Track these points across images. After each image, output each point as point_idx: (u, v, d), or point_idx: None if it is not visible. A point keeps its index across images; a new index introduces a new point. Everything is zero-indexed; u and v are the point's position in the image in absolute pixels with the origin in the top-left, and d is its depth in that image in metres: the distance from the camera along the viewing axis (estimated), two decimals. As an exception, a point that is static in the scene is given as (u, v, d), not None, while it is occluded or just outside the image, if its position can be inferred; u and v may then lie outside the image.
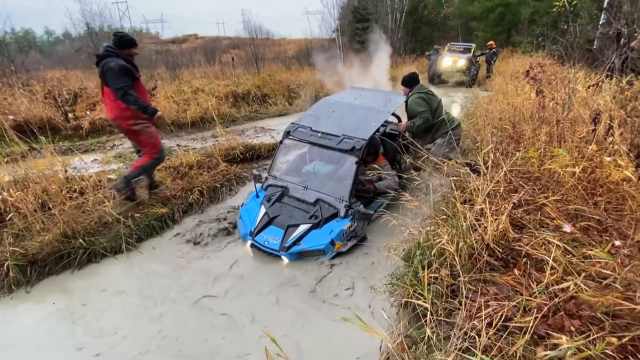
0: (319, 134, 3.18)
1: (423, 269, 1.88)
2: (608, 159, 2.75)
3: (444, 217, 2.36)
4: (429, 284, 1.82)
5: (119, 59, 3.01)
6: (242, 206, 3.22)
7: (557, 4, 7.97)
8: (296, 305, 2.28)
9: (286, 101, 9.56)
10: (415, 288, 1.84)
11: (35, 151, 4.30)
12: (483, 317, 1.54)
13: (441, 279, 1.86)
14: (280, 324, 2.12)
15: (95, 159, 3.40)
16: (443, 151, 3.46)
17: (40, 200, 2.92)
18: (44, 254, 2.60)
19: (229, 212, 3.54)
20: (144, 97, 3.20)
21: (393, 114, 3.74)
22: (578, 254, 1.94)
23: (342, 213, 2.85)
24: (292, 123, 3.44)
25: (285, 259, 2.72)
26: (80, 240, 2.74)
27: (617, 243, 2.11)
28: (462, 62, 12.58)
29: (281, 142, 3.41)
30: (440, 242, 1.98)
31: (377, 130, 3.33)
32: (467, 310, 1.65)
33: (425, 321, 1.62)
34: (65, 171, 3.32)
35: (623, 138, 2.91)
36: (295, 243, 2.70)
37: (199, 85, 9.42)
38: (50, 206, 2.82)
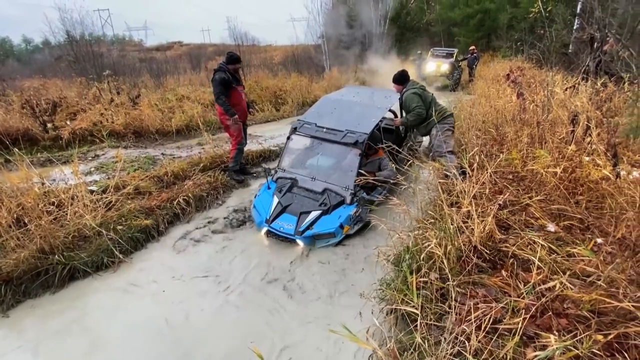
0: (324, 130, 3.49)
1: (412, 273, 1.87)
2: (587, 158, 2.83)
3: (432, 220, 2.36)
4: (418, 289, 1.81)
5: (223, 72, 3.93)
6: (255, 198, 3.45)
7: (533, 10, 8.25)
8: (285, 315, 2.24)
9: (273, 107, 9.52)
10: (405, 293, 1.82)
11: (11, 164, 4.13)
12: (473, 320, 1.54)
13: (431, 282, 1.86)
14: (267, 337, 2.07)
15: (76, 170, 3.27)
16: (439, 138, 3.66)
17: (15, 215, 2.79)
18: (20, 271, 2.48)
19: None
20: (240, 102, 4.17)
21: (391, 110, 4.02)
22: (562, 253, 1.97)
23: (348, 200, 3.15)
24: (298, 120, 3.73)
25: (300, 243, 2.99)
26: (59, 256, 2.63)
27: (599, 240, 2.16)
28: (445, 66, 12.85)
29: (289, 137, 3.70)
30: (428, 245, 1.98)
31: (377, 125, 3.57)
32: (457, 314, 1.64)
33: (415, 326, 1.61)
34: (43, 184, 3.20)
35: (600, 138, 3.00)
36: (308, 228, 2.96)
37: (185, 93, 9.30)
38: (26, 221, 2.70)
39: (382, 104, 3.85)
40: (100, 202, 3.18)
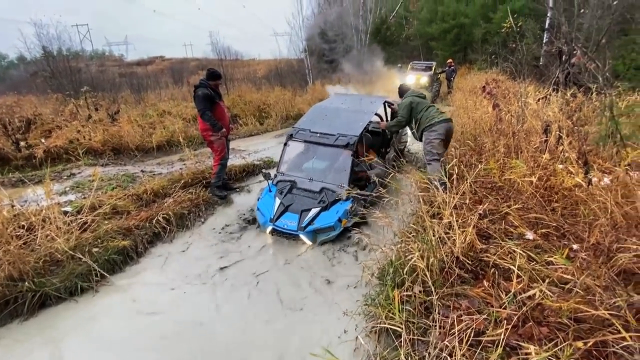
0: (318, 134, 3.82)
1: (396, 287, 1.86)
2: (560, 166, 2.94)
3: (414, 233, 2.38)
4: (402, 303, 1.80)
5: (205, 88, 3.92)
6: (257, 201, 3.68)
7: (505, 25, 8.68)
8: (270, 334, 2.17)
9: (257, 121, 9.51)
10: (390, 308, 1.81)
11: (-21, 185, 3.93)
12: (456, 333, 1.54)
13: (414, 296, 1.85)
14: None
15: (48, 190, 3.14)
16: (425, 146, 3.87)
17: (-20, 241, 2.63)
18: (-15, 301, 2.32)
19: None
20: (224, 116, 4.19)
21: (376, 114, 4.36)
22: (541, 261, 2.01)
23: (343, 197, 3.37)
24: (293, 127, 4.06)
25: (303, 238, 3.20)
26: (29, 283, 2.48)
27: (575, 247, 2.22)
28: (424, 79, 13.24)
29: (285, 144, 4.00)
30: (411, 258, 1.99)
31: (365, 128, 3.90)
32: (441, 328, 1.63)
33: (400, 342, 1.59)
34: (12, 206, 3.05)
35: (572, 146, 3.12)
36: (310, 223, 3.21)
37: (166, 108, 9.19)
38: (-7, 246, 2.55)
39: (369, 109, 4.22)
40: (74, 224, 3.05)
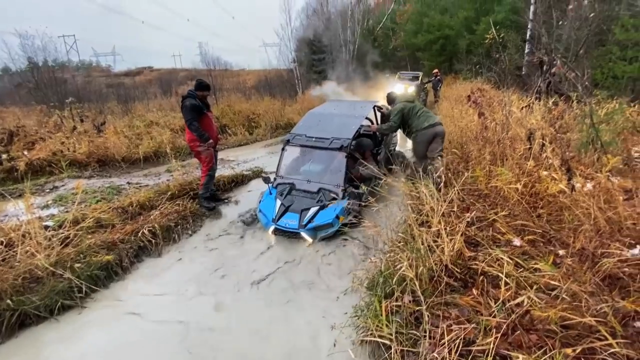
0: (313, 139, 4.03)
1: (385, 298, 1.84)
2: (545, 173, 2.99)
3: (403, 242, 2.37)
4: (392, 313, 1.78)
5: (193, 99, 3.90)
6: (259, 203, 3.83)
7: (488, 36, 8.94)
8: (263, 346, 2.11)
9: (246, 131, 9.49)
10: (380, 319, 1.78)
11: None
12: (446, 343, 1.52)
13: (404, 306, 1.83)
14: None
15: (28, 204, 3.04)
16: (421, 141, 4.15)
17: (-45, 259, 2.52)
18: (-41, 322, 2.20)
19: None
20: (211, 127, 4.15)
21: (367, 118, 4.60)
22: (528, 267, 2.02)
23: (340, 195, 3.61)
24: (290, 133, 4.25)
25: (304, 235, 3.36)
26: (8, 301, 2.37)
27: (561, 252, 2.25)
28: (412, 88, 13.48)
29: (283, 149, 4.18)
30: (400, 267, 1.97)
31: (357, 131, 4.12)
32: (431, 338, 1.62)
33: (390, 354, 1.56)
34: (-10, 221, 2.93)
35: (555, 153, 3.19)
36: (309, 221, 3.39)
37: (154, 119, 9.10)
38: (-32, 265, 2.44)
39: (360, 113, 4.48)
40: (55, 239, 2.94)
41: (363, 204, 3.32)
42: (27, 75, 11.39)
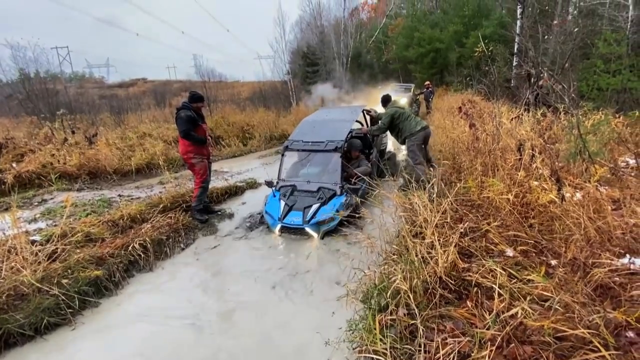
0: (310, 143, 4.40)
1: (380, 311, 1.82)
2: (535, 183, 3.04)
3: (397, 254, 2.36)
4: (387, 327, 1.76)
5: (188, 110, 3.93)
6: (265, 205, 4.08)
7: (477, 50, 9.18)
8: None
9: (240, 142, 9.49)
10: (375, 334, 1.76)
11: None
12: (442, 357, 1.51)
13: (399, 320, 1.81)
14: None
15: (14, 218, 2.97)
16: (412, 146, 4.55)
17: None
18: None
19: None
20: (205, 136, 4.15)
21: (357, 121, 5.01)
22: (522, 278, 2.03)
23: (338, 192, 3.95)
24: (288, 139, 4.62)
25: (308, 230, 3.63)
26: (-11, 320, 2.29)
27: (553, 262, 2.26)
28: (404, 100, 13.70)
29: (282, 154, 4.51)
30: (395, 280, 1.96)
31: (350, 133, 4.50)
32: (426, 352, 1.60)
33: (386, 370, 1.54)
34: (-25, 236, 2.85)
35: (545, 163, 3.24)
36: (312, 217, 3.66)
37: (146, 130, 9.06)
38: (-50, 281, 2.36)
39: (350, 117, 4.91)
40: (42, 254, 2.87)
41: (360, 199, 3.54)
42: (18, 86, 11.30)
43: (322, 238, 3.66)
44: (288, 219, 3.72)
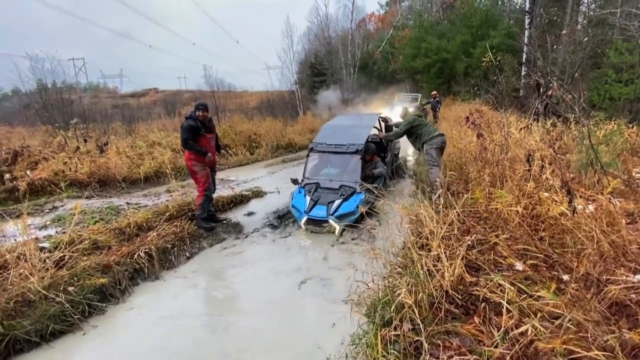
0: (333, 146, 4.93)
1: (383, 326, 1.77)
2: (545, 194, 2.96)
3: (402, 267, 2.32)
4: (391, 343, 1.71)
5: (192, 120, 4.04)
6: (291, 200, 4.56)
7: (485, 59, 9.16)
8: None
9: (247, 151, 9.57)
10: (378, 349, 1.71)
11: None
12: (448, 376, 1.45)
13: (403, 335, 1.76)
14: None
15: (24, 225, 3.02)
16: (426, 155, 4.81)
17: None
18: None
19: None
20: (208, 149, 4.19)
21: (374, 127, 5.52)
22: (532, 292, 1.96)
23: (358, 190, 4.37)
24: (313, 141, 5.17)
25: (332, 222, 4.06)
26: (-3, 326, 2.31)
27: (565, 277, 2.18)
28: (411, 110, 13.70)
29: (308, 155, 5.06)
30: (399, 293, 1.91)
31: (368, 138, 4.97)
32: (431, 370, 1.55)
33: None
34: (-15, 243, 2.90)
35: (555, 174, 3.17)
36: (335, 210, 4.13)
37: (156, 139, 9.22)
38: (-40, 288, 2.40)
39: (368, 123, 5.44)
40: (50, 261, 2.90)
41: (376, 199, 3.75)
42: (36, 96, 11.69)
43: (340, 234, 3.96)
44: (314, 212, 4.18)
